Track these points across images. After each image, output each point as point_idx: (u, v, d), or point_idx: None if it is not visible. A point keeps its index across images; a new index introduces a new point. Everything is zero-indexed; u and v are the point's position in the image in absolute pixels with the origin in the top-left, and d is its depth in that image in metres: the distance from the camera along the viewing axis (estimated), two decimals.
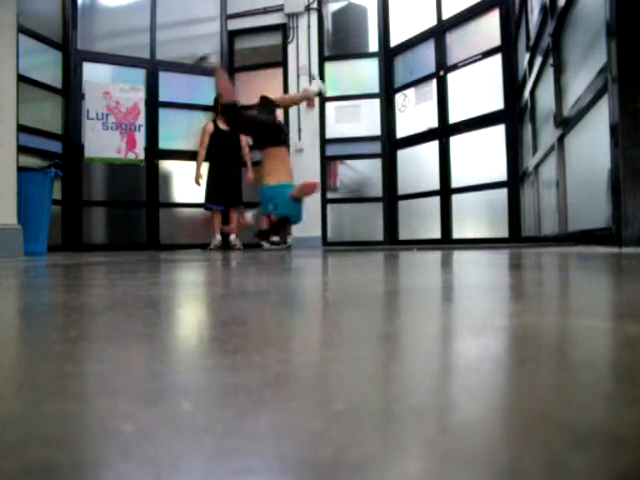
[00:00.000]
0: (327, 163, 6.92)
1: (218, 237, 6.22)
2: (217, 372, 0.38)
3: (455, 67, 5.92)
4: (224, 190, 6.18)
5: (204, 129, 6.38)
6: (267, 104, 5.53)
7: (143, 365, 0.43)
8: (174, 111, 6.97)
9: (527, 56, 4.79)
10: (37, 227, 4.55)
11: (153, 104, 6.82)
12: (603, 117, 2.70)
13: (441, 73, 6.08)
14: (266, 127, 5.42)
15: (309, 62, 6.90)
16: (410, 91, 6.56)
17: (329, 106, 6.94)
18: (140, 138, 6.68)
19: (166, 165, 6.89)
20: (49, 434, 0.26)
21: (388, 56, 6.79)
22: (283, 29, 7.04)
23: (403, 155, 6.66)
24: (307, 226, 6.75)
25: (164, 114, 6.91)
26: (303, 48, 6.92)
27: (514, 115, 5.38)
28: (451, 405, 0.30)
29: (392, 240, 6.67)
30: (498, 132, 5.47)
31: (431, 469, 0.21)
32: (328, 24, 7.10)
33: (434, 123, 6.17)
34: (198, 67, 5.93)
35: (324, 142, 6.86)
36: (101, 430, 0.26)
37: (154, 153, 6.76)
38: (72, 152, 6.25)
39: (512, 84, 5.40)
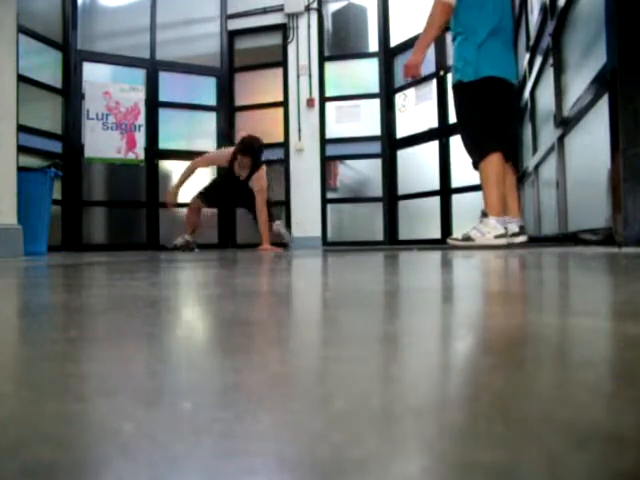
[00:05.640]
0: (327, 163, 6.92)
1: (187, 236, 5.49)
2: (217, 372, 0.38)
3: None
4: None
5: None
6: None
7: (143, 365, 0.43)
8: (174, 111, 6.97)
9: (527, 56, 4.79)
10: (37, 227, 4.54)
11: (153, 104, 6.83)
12: (603, 117, 2.70)
13: (441, 73, 6.08)
14: None
15: (309, 62, 6.90)
16: (410, 91, 6.56)
17: (329, 106, 6.94)
18: (140, 138, 6.68)
19: (166, 165, 6.89)
20: (49, 434, 0.26)
21: (388, 56, 6.79)
22: (283, 29, 7.04)
23: (403, 155, 6.66)
24: (307, 226, 6.76)
25: (164, 114, 6.91)
26: (303, 48, 6.92)
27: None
28: (450, 405, 0.30)
29: (392, 240, 6.67)
30: None
31: (430, 469, 0.21)
32: (328, 24, 7.10)
33: (434, 123, 6.17)
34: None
35: (324, 142, 6.86)
36: (101, 430, 0.26)
37: (154, 153, 6.76)
38: (72, 152, 6.25)
39: None
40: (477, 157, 3.54)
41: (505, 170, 3.53)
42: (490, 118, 3.48)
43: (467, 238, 3.49)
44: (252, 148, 5.13)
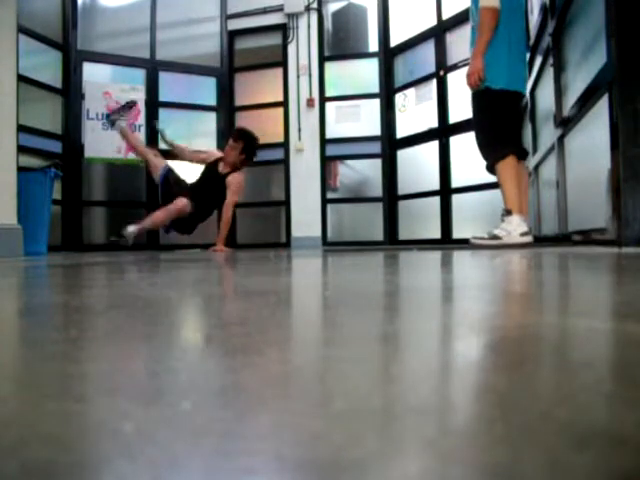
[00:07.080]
0: (327, 163, 6.92)
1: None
2: (217, 372, 0.38)
3: (455, 67, 5.92)
4: None
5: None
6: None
7: (143, 365, 0.43)
8: (174, 111, 6.96)
9: (527, 56, 4.79)
10: (37, 227, 4.54)
11: (153, 104, 6.82)
12: (603, 117, 2.70)
13: (441, 73, 6.08)
14: None
15: (309, 62, 6.89)
16: (410, 91, 6.56)
17: (329, 106, 6.94)
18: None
19: None
20: (49, 434, 0.26)
21: (388, 56, 6.79)
22: (283, 29, 7.03)
23: (403, 155, 6.66)
24: (307, 226, 6.76)
25: (164, 114, 6.91)
26: (303, 48, 6.92)
27: None
28: (450, 405, 0.30)
29: (392, 240, 6.67)
30: None
31: (430, 469, 0.21)
32: (328, 24, 7.10)
33: (434, 123, 6.17)
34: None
35: (324, 142, 6.86)
36: (101, 430, 0.26)
37: None
38: (72, 152, 6.25)
39: None
40: (493, 159, 3.60)
41: (520, 171, 3.61)
42: (508, 124, 3.64)
43: (494, 237, 3.50)
44: (247, 135, 5.22)
